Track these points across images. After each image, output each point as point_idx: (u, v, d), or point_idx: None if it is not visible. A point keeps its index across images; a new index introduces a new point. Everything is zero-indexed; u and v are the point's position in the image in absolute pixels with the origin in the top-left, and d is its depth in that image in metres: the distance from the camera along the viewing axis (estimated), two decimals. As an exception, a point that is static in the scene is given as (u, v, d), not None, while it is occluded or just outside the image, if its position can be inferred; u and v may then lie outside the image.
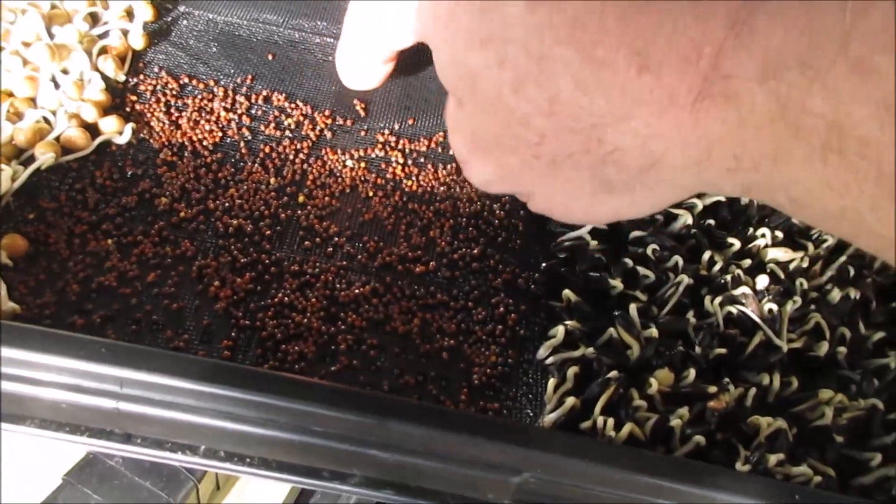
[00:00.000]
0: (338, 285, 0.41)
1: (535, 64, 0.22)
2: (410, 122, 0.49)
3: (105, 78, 0.45)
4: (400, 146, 0.47)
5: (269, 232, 0.42)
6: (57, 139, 0.42)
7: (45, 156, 0.40)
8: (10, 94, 0.43)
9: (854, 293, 0.45)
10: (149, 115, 0.45)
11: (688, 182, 0.24)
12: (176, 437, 0.28)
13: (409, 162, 0.47)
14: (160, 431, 0.28)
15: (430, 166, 0.47)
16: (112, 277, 0.38)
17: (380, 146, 0.47)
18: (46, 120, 0.42)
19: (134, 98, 0.46)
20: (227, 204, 0.42)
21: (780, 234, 0.47)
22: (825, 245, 0.47)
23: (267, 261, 0.41)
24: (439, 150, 0.48)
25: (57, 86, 0.44)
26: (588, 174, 0.24)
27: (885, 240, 0.20)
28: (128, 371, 0.26)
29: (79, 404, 0.27)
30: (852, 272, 0.46)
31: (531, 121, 0.23)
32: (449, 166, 0.47)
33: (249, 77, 0.49)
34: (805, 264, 0.46)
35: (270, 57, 0.50)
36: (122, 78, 0.46)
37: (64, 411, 0.27)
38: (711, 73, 0.21)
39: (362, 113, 0.49)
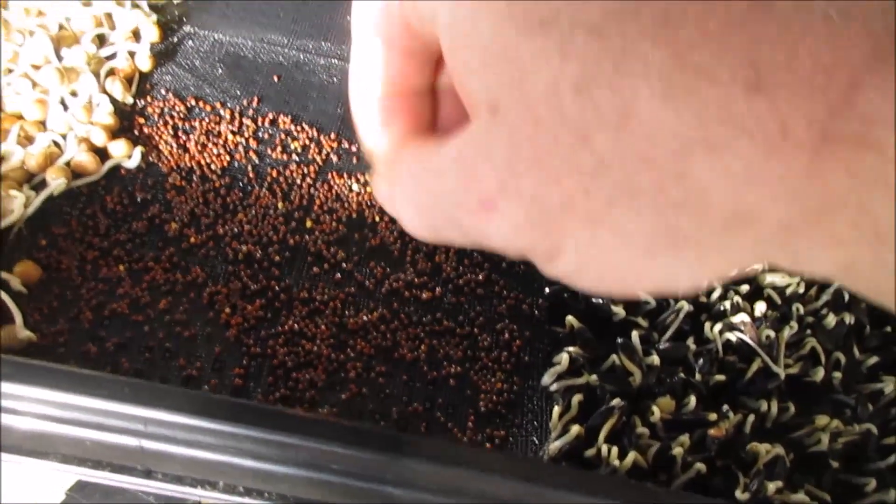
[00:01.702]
0: (346, 312, 0.41)
1: (610, 60, 0.17)
2: (415, 145, 0.50)
3: (113, 100, 0.46)
4: (405, 170, 0.48)
5: (278, 258, 0.42)
6: (67, 164, 0.42)
7: (56, 181, 0.41)
8: (20, 117, 0.43)
9: (849, 318, 0.46)
10: (157, 138, 0.45)
11: (773, 250, 0.18)
12: (196, 473, 0.29)
13: (415, 186, 0.47)
14: (181, 468, 0.28)
15: (435, 190, 0.47)
16: (124, 304, 0.39)
17: (386, 170, 0.48)
18: (56, 144, 0.43)
19: (142, 121, 0.46)
20: (236, 229, 0.43)
21: (776, 259, 0.48)
22: (820, 270, 0.48)
23: (277, 287, 0.41)
24: (444, 173, 0.49)
25: (66, 108, 0.44)
26: (651, 223, 0.18)
27: None
28: (152, 410, 0.26)
29: (103, 442, 0.27)
30: (847, 297, 0.47)
31: (592, 137, 0.17)
32: (454, 190, 0.48)
33: (255, 99, 0.49)
34: (801, 289, 0.47)
35: (276, 78, 0.51)
36: (129, 100, 0.47)
37: (87, 448, 0.27)
38: (844, 108, 0.16)
39: (368, 136, 0.49)
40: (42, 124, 0.43)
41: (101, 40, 0.48)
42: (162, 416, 0.27)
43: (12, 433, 0.27)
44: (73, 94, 0.45)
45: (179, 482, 0.29)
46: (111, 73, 0.47)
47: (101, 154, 0.43)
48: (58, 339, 0.37)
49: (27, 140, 0.42)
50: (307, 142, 0.48)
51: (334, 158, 0.47)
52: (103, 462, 0.29)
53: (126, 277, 0.40)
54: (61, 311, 0.38)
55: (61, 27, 0.47)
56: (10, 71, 0.44)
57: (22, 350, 0.36)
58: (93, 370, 0.30)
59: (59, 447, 0.28)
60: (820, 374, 0.43)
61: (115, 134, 0.44)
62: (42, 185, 0.42)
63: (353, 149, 0.48)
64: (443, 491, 0.29)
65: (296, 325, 0.40)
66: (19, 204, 0.39)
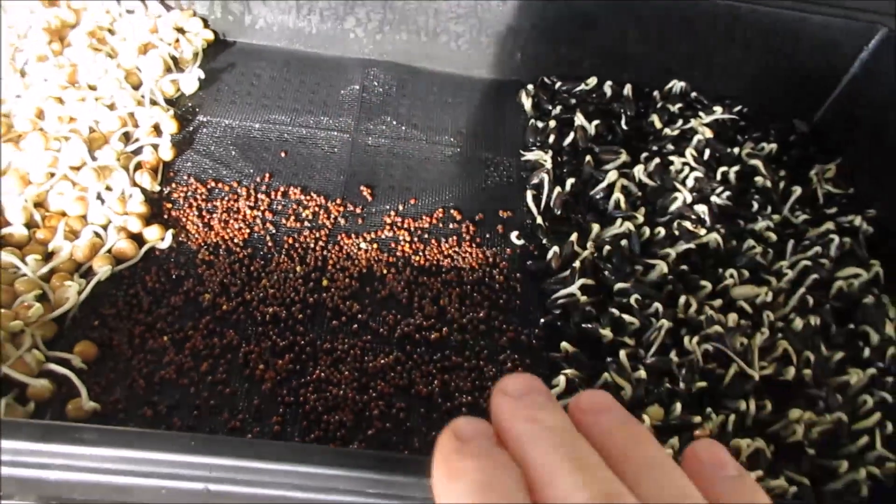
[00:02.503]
0: (366, 358, 0.47)
1: None
2: (412, 201, 0.56)
3: (143, 190, 0.52)
4: (405, 225, 0.54)
5: (300, 316, 0.48)
6: (109, 251, 0.48)
7: (102, 269, 0.47)
8: (64, 215, 0.49)
9: (814, 320, 0.52)
10: (184, 219, 0.51)
11: None
12: (254, 509, 0.34)
13: (415, 239, 0.53)
14: (241, 505, 0.34)
15: (433, 241, 0.53)
16: (171, 370, 0.44)
17: (388, 227, 0.53)
18: (98, 234, 0.49)
19: (169, 206, 0.52)
20: (261, 294, 0.48)
21: (745, 272, 0.53)
22: (786, 279, 0.54)
23: (302, 342, 0.46)
24: (440, 225, 0.55)
25: (103, 202, 0.50)
26: None
27: None
28: (215, 458, 0.32)
29: (176, 489, 0.32)
30: (811, 301, 0.53)
31: None
32: (450, 239, 0.53)
33: (267, 175, 0.55)
34: (769, 298, 0.52)
35: (283, 154, 0.57)
36: (157, 188, 0.53)
37: (163, 496, 0.33)
38: None
39: (369, 198, 0.55)
40: (84, 219, 0.49)
41: (127, 138, 0.54)
42: (223, 462, 0.32)
43: (101, 488, 0.32)
44: (108, 188, 0.51)
45: (239, 518, 0.34)
46: (139, 166, 0.53)
47: (138, 239, 0.49)
48: (117, 407, 0.42)
49: (72, 234, 0.48)
50: (316, 209, 0.54)
51: (342, 221, 0.53)
52: (174, 506, 0.34)
53: (170, 347, 0.45)
54: (118, 382, 0.43)
55: (91, 130, 0.53)
56: (52, 175, 0.50)
57: (88, 419, 0.42)
58: (155, 430, 0.35)
59: (141, 497, 0.33)
60: (791, 372, 0.48)
61: (147, 220, 0.50)
62: (89, 272, 0.47)
63: (358, 210, 0.54)
64: None
65: (322, 374, 0.45)
66: (73, 292, 0.45)
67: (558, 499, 0.18)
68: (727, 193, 0.59)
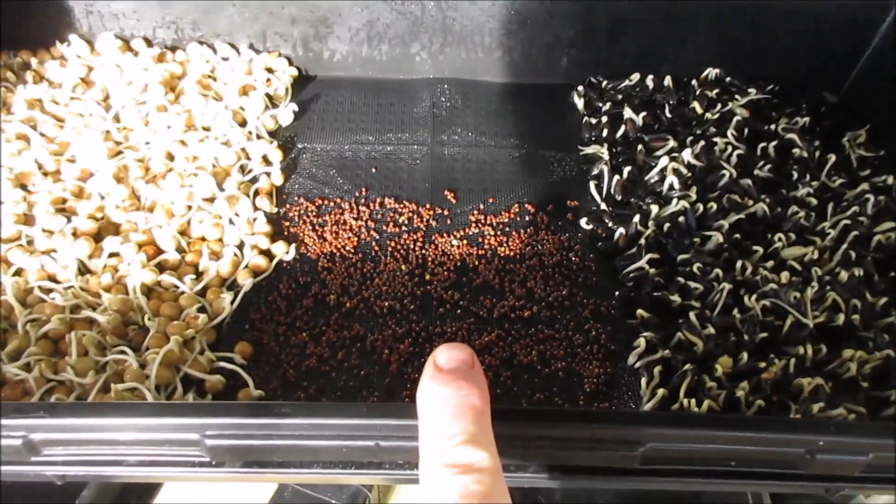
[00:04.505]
0: (472, 337, 0.55)
1: None
2: (491, 200, 0.64)
3: (264, 213, 0.60)
4: (488, 221, 0.62)
5: (412, 306, 0.56)
6: (247, 266, 0.57)
7: (246, 281, 0.56)
8: (204, 239, 0.58)
9: (858, 271, 0.58)
10: (302, 234, 0.60)
11: None
12: (414, 458, 0.42)
13: (498, 232, 0.61)
14: (403, 457, 0.42)
15: (514, 233, 0.61)
16: (314, 360, 0.53)
17: (473, 224, 0.62)
18: (235, 254, 0.57)
19: (287, 224, 0.61)
20: (376, 291, 0.57)
21: (792, 235, 0.60)
22: (829, 237, 0.61)
23: (417, 328, 0.55)
24: (517, 218, 0.63)
25: (234, 226, 0.59)
26: None
27: None
28: (382, 420, 0.40)
29: (353, 447, 0.41)
30: (854, 255, 0.59)
31: None
32: (529, 229, 0.61)
33: (364, 189, 0.64)
34: (816, 255, 0.59)
35: (374, 170, 0.65)
36: (275, 210, 0.61)
37: (344, 453, 0.41)
38: None
39: (454, 200, 0.63)
40: (221, 241, 0.58)
41: (243, 169, 0.63)
42: (389, 422, 0.40)
43: (295, 450, 0.41)
44: (237, 214, 0.60)
45: (400, 468, 0.43)
46: (257, 192, 0.62)
47: (267, 254, 0.58)
48: (276, 393, 0.51)
49: (214, 255, 0.57)
50: (410, 214, 0.62)
51: (433, 223, 0.62)
52: (349, 463, 0.43)
53: (309, 341, 0.54)
54: (272, 373, 0.52)
55: (213, 165, 0.62)
56: (190, 207, 0.59)
57: (256, 404, 0.50)
58: (334, 402, 0.44)
59: (324, 456, 0.42)
60: (841, 318, 0.55)
61: (273, 238, 0.59)
62: (233, 285, 0.56)
63: (445, 213, 0.62)
64: (587, 442, 0.42)
65: (438, 353, 0.53)
66: (227, 303, 0.54)
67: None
68: (768, 166, 0.66)
